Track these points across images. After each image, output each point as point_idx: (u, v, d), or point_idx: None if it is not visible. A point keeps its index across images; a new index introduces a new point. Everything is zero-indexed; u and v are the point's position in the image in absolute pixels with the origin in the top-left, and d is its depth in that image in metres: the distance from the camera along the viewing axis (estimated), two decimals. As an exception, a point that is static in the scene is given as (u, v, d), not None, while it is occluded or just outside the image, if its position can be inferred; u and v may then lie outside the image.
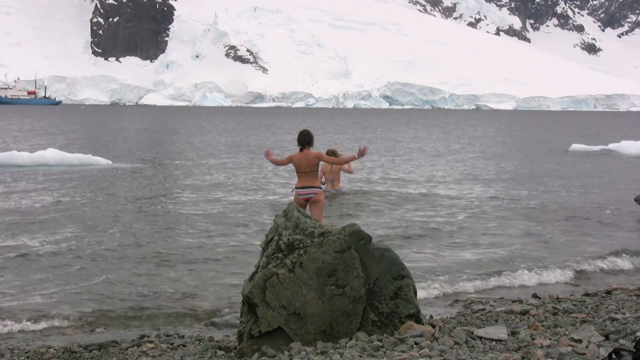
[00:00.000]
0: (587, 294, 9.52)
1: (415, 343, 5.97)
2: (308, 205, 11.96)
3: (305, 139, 11.96)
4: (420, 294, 9.14)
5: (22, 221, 15.17)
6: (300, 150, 11.97)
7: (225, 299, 9.64)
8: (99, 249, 12.46)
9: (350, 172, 19.47)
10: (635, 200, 16.98)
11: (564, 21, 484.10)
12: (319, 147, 21.70)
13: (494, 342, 6.16)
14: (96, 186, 21.47)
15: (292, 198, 12.69)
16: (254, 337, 6.42)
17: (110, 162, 27.96)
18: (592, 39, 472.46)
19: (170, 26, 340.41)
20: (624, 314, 7.67)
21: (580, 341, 6.03)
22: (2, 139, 45.34)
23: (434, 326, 6.69)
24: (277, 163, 12.26)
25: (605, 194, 21.04)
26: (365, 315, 6.43)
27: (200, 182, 22.92)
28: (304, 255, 6.45)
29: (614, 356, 4.99)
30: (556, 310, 8.11)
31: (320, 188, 12.19)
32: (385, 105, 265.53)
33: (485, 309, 8.89)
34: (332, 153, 16.96)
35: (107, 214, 16.24)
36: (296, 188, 12.22)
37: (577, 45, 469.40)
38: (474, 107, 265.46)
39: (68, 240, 13.13)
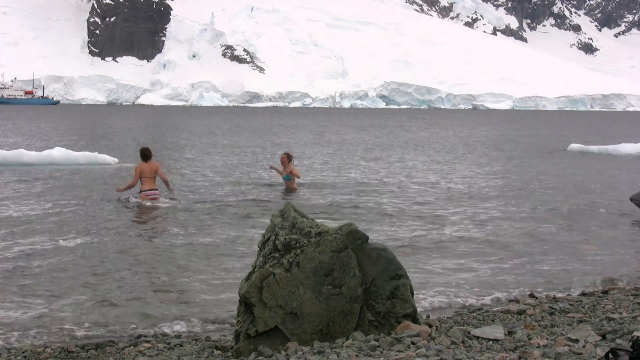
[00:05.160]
0: (583, 294, 9.53)
1: (412, 343, 5.97)
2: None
3: (149, 154, 17.22)
4: (417, 293, 9.14)
5: (28, 219, 15.17)
6: (145, 161, 16.99)
7: (222, 298, 9.63)
8: (98, 248, 12.45)
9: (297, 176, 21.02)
10: (631, 199, 16.99)
11: (561, 21, 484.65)
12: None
13: (490, 342, 6.16)
14: (103, 184, 21.56)
15: (140, 198, 17.14)
16: (251, 336, 6.42)
17: (116, 160, 28.01)
18: (588, 38, 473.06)
19: (167, 26, 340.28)
20: (620, 313, 7.68)
21: (577, 341, 6.03)
22: (8, 139, 45.39)
23: (430, 326, 6.69)
24: (131, 186, 17.31)
25: (603, 193, 21.07)
26: (362, 315, 6.42)
27: (201, 181, 22.92)
28: (300, 255, 6.45)
29: (610, 356, 4.99)
30: (553, 310, 8.12)
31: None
32: (382, 105, 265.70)
33: (482, 308, 8.90)
34: (288, 156, 20.61)
35: (110, 213, 16.25)
36: (144, 190, 17.02)
37: (574, 45, 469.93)
38: (470, 106, 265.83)
39: (69, 238, 13.11)
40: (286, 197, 19.28)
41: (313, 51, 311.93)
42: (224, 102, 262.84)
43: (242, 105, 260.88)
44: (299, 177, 20.98)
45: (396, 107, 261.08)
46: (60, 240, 12.96)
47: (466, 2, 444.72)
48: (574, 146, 40.89)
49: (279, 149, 38.43)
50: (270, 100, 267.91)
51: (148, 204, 17.06)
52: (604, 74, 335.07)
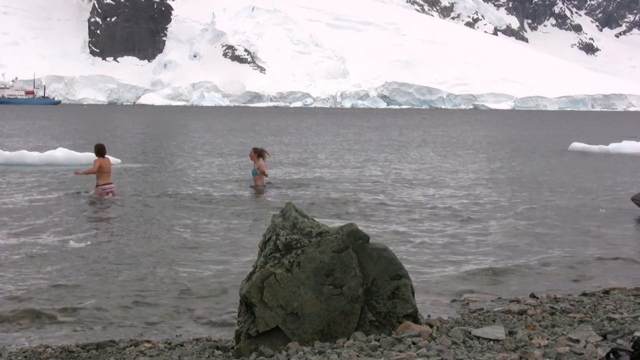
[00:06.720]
0: (584, 294, 9.51)
1: (413, 343, 5.96)
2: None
3: (104, 150, 18.08)
4: (418, 293, 9.13)
5: (30, 220, 15.17)
6: (102, 157, 17.89)
7: (223, 298, 9.63)
8: (98, 248, 12.45)
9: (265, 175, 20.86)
10: (632, 199, 16.98)
11: (562, 21, 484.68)
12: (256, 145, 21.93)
13: (491, 342, 6.16)
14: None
15: (92, 192, 18.24)
16: (252, 336, 6.41)
17: (119, 160, 27.90)
18: (589, 38, 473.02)
19: (168, 26, 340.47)
20: (621, 313, 7.67)
21: (577, 341, 6.03)
22: (9, 139, 45.42)
23: (431, 326, 6.68)
24: (90, 172, 18.25)
25: (604, 193, 21.06)
26: (362, 315, 6.42)
27: (200, 180, 22.92)
28: (301, 255, 6.44)
29: (611, 356, 4.98)
30: (554, 310, 8.10)
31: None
32: (382, 105, 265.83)
33: (482, 308, 8.88)
34: (261, 152, 20.41)
35: (110, 214, 16.28)
36: (101, 185, 18.01)
37: (575, 45, 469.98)
38: (471, 106, 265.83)
39: (71, 239, 13.10)
40: (288, 196, 19.27)
41: (314, 51, 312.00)
42: (225, 102, 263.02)
43: (243, 105, 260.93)
44: (265, 174, 20.73)
45: (397, 107, 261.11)
46: (63, 242, 12.96)
47: (467, 2, 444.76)
48: (576, 145, 40.77)
49: (287, 148, 38.45)
50: (271, 100, 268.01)
51: (107, 197, 18.01)
52: (605, 74, 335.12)
